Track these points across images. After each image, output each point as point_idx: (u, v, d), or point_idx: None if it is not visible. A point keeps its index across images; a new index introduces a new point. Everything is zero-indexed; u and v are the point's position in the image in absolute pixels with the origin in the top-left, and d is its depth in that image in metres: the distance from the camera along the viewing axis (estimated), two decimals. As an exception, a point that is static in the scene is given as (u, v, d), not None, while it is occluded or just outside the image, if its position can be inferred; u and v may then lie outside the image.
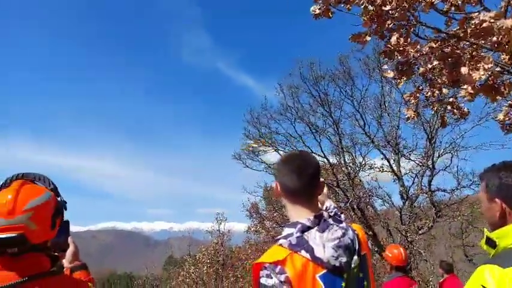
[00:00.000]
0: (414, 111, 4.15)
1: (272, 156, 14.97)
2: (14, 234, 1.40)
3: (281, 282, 1.35)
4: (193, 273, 13.09)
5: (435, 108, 4.18)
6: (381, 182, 13.68)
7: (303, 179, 1.55)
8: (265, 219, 16.25)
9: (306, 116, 13.97)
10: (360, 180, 13.64)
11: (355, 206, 12.55)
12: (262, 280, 1.38)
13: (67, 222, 1.74)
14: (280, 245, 1.44)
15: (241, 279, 12.56)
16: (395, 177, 13.39)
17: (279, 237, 1.49)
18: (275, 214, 15.64)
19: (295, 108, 14.03)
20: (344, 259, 1.44)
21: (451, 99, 4.06)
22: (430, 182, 12.61)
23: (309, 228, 1.46)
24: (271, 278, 1.36)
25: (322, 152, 13.84)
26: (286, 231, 1.49)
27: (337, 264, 1.41)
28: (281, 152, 14.72)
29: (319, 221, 1.50)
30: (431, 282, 12.37)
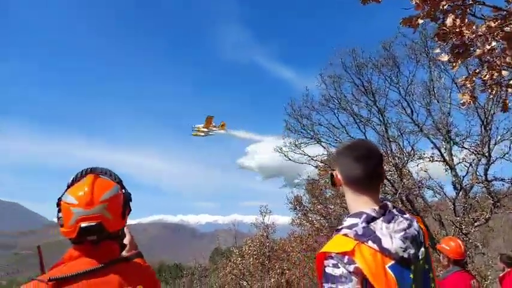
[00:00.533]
0: (470, 96, 3.91)
1: (315, 149, 14.78)
2: (93, 223, 1.52)
3: (350, 272, 1.33)
4: (240, 264, 13.32)
5: (494, 91, 3.89)
6: (431, 173, 13.05)
7: (368, 168, 1.52)
8: (309, 211, 16.15)
9: (349, 105, 13.66)
10: (409, 171, 13.10)
11: (403, 198, 12.10)
12: (328, 270, 1.37)
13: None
14: (345, 234, 1.42)
15: (287, 271, 12.60)
16: (447, 166, 12.72)
17: (341, 227, 1.47)
18: (319, 207, 15.49)
19: (338, 98, 13.77)
20: (412, 251, 1.41)
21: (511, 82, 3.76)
22: (486, 171, 11.85)
23: (374, 218, 1.44)
24: (339, 267, 1.35)
25: (368, 142, 13.46)
26: (350, 221, 1.46)
27: (406, 255, 1.39)
28: (324, 144, 14.51)
29: (385, 212, 1.47)
30: (489, 277, 11.67)
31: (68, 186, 1.63)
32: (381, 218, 1.44)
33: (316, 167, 15.06)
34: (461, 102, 3.88)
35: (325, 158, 14.66)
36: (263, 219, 13.57)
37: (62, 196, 1.60)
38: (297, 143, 14.62)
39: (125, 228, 1.88)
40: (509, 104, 3.77)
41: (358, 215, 1.47)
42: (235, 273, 13.52)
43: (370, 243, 1.37)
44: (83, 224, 1.52)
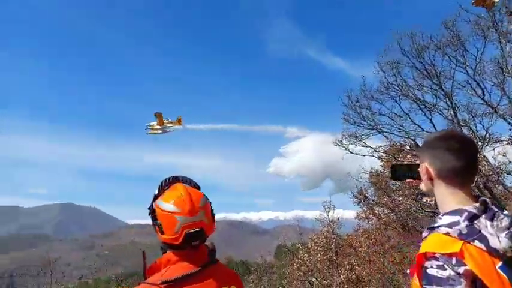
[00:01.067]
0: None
1: (376, 139, 14.26)
2: (197, 229, 1.66)
3: (459, 274, 1.26)
4: (307, 260, 13.33)
5: None
6: (511, 157, 11.96)
7: (466, 159, 1.44)
8: (374, 205, 15.64)
9: (411, 91, 12.96)
10: (484, 156, 12.13)
11: (481, 186, 11.23)
12: (432, 271, 1.30)
13: None
14: (447, 233, 1.35)
15: (357, 267, 12.33)
16: (528, 149, 11.59)
17: (437, 224, 1.40)
18: (385, 199, 14.93)
19: (398, 84, 13.11)
20: None
21: None
22: None
23: (475, 216, 1.35)
24: (445, 269, 1.28)
25: (435, 128, 12.71)
26: (449, 219, 1.38)
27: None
28: (386, 134, 13.95)
29: (486, 208, 1.38)
30: None
31: (157, 195, 1.76)
32: (483, 216, 1.35)
33: (379, 158, 14.54)
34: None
35: (388, 148, 14.10)
36: (327, 214, 13.40)
37: (153, 203, 1.74)
38: (357, 134, 14.23)
39: None
40: None
41: (457, 212, 1.38)
42: (303, 270, 13.55)
43: (477, 243, 1.29)
44: (189, 231, 1.65)
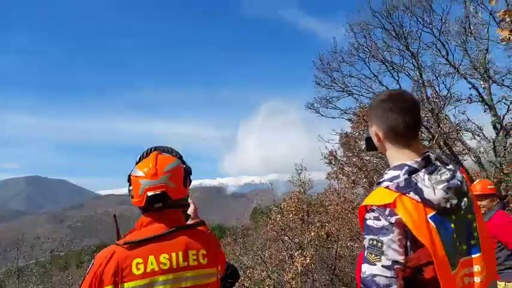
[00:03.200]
0: (510, 31, 3.71)
1: (345, 102, 14.53)
2: (158, 192, 1.74)
3: (391, 223, 1.35)
4: (280, 221, 13.77)
5: (537, 23, 3.67)
6: (470, 114, 12.58)
7: (410, 118, 1.50)
8: (344, 165, 16.20)
9: (380, 53, 13.01)
10: (446, 115, 12.68)
11: (441, 143, 11.82)
12: (370, 222, 1.39)
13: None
14: (387, 187, 1.42)
15: (326, 224, 12.94)
16: (486, 107, 12.17)
17: (382, 179, 1.48)
18: (354, 159, 15.48)
19: (368, 46, 13.11)
20: (454, 201, 1.42)
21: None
22: (528, 107, 11.28)
23: (416, 170, 1.43)
24: (380, 220, 1.37)
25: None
26: (391, 173, 1.46)
27: (448, 206, 1.40)
28: (355, 96, 14.20)
29: (427, 163, 1.46)
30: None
31: (136, 163, 1.87)
32: (423, 170, 1.43)
33: (349, 119, 14.89)
34: (501, 38, 3.70)
35: (358, 110, 14.43)
36: (299, 176, 13.77)
37: (131, 172, 1.83)
38: (328, 97, 14.40)
39: (189, 200, 2.10)
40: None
41: (399, 167, 1.46)
42: (276, 230, 14.03)
43: (411, 194, 1.37)
44: (150, 193, 1.73)
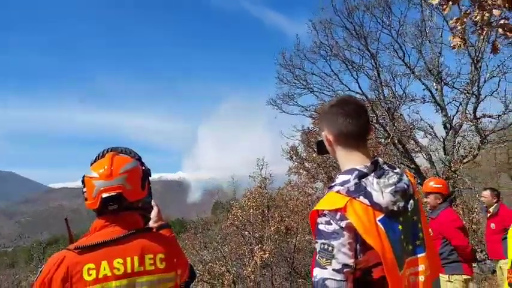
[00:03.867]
0: (461, 38, 3.91)
1: (308, 99, 14.77)
2: (113, 193, 1.66)
3: (342, 228, 1.37)
4: (240, 216, 13.80)
5: (484, 32, 3.89)
6: (423, 114, 13.27)
7: (359, 123, 1.53)
8: (305, 160, 16.53)
9: (341, 52, 13.30)
10: (401, 115, 13.27)
11: (396, 141, 12.37)
12: (321, 227, 1.41)
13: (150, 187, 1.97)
14: (338, 191, 1.44)
15: (286, 218, 13.14)
16: (437, 107, 12.90)
17: (333, 184, 1.50)
18: (314, 155, 15.84)
19: (329, 44, 13.35)
20: (401, 203, 1.46)
21: (502, 21, 3.74)
22: (475, 109, 12.07)
23: (365, 174, 1.46)
24: (331, 224, 1.39)
25: (360, 88, 13.41)
26: (342, 178, 1.48)
27: (395, 208, 1.44)
28: (316, 93, 14.46)
29: (375, 167, 1.50)
30: (475, 209, 12.34)
31: (91, 164, 1.76)
32: (372, 174, 1.47)
33: (310, 116, 15.16)
34: (452, 45, 3.89)
35: (319, 107, 14.71)
36: (260, 171, 13.83)
37: (85, 173, 1.73)
38: (290, 94, 14.56)
39: (152, 202, 2.00)
40: (499, 46, 3.79)
41: (349, 171, 1.49)
42: (237, 225, 14.04)
43: (361, 198, 1.40)
44: (105, 194, 1.65)
